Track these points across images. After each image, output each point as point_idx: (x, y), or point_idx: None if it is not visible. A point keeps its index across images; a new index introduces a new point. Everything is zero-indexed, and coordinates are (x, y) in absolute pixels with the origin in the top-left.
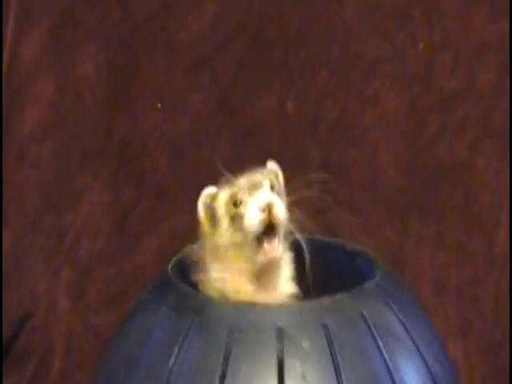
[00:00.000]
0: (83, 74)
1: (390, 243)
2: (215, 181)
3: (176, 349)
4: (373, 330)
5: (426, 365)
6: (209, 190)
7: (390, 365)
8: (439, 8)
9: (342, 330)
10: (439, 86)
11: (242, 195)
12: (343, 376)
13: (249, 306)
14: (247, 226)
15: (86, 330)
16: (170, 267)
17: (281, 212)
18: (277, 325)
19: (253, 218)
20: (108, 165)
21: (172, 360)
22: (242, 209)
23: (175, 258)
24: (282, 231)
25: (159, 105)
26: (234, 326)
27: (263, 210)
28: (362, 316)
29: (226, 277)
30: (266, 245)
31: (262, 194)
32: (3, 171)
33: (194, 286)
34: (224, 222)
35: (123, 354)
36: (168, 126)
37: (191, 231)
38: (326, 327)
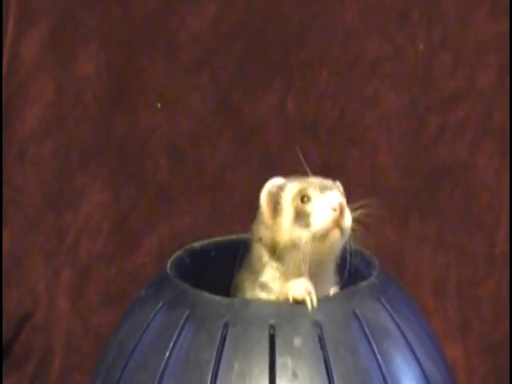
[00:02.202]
0: (83, 74)
1: (389, 243)
2: (215, 181)
3: (171, 343)
4: (365, 328)
5: (419, 364)
6: (276, 180)
7: (382, 363)
8: (439, 8)
9: (334, 328)
10: (439, 86)
11: (312, 192)
12: (334, 374)
13: (243, 303)
14: (317, 222)
15: (85, 330)
16: (168, 263)
17: (348, 218)
18: (269, 322)
19: (324, 216)
20: (108, 165)
21: (167, 354)
22: (310, 206)
23: (175, 255)
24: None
25: (159, 105)
26: (228, 321)
27: (335, 210)
28: (355, 314)
29: (279, 275)
30: (334, 231)
31: (335, 194)
32: (3, 171)
33: (192, 282)
34: (287, 216)
35: (121, 347)
36: (168, 126)
37: (191, 231)
38: (318, 325)
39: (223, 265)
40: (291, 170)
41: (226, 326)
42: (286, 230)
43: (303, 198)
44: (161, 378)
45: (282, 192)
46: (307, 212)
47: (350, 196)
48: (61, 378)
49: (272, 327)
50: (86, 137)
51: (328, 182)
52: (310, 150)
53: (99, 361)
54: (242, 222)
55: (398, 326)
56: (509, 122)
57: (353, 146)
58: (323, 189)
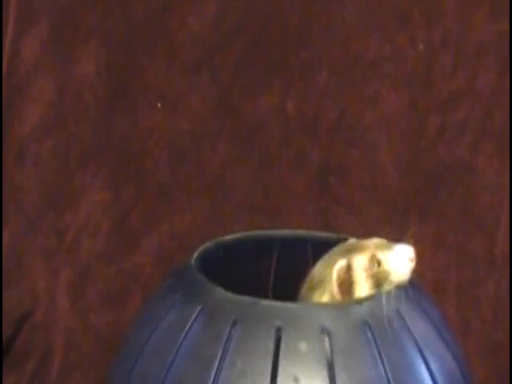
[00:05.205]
0: (83, 74)
1: None
2: (215, 181)
3: (181, 336)
4: (377, 339)
5: (433, 380)
6: (340, 264)
7: (391, 377)
8: (439, 8)
9: (343, 335)
10: (439, 87)
11: (380, 255)
12: (337, 382)
13: (253, 301)
14: (400, 276)
15: (85, 329)
16: (194, 256)
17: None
18: (277, 323)
19: (406, 269)
20: (108, 164)
21: (176, 347)
22: (386, 266)
23: (203, 246)
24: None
25: (159, 105)
26: (236, 319)
27: (412, 260)
28: (367, 323)
29: None
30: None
31: (405, 246)
32: (3, 171)
33: (219, 277)
34: (364, 285)
35: (137, 338)
36: (168, 126)
37: (191, 231)
38: (326, 331)
39: (254, 261)
40: (291, 169)
41: (234, 323)
42: (363, 293)
43: (378, 263)
44: (168, 371)
45: (350, 272)
46: (385, 272)
47: (350, 196)
48: (61, 377)
49: (279, 329)
50: (85, 137)
51: (380, 240)
52: (310, 149)
53: (119, 350)
54: (242, 222)
55: (413, 338)
56: (509, 122)
57: (353, 146)
58: (385, 247)
